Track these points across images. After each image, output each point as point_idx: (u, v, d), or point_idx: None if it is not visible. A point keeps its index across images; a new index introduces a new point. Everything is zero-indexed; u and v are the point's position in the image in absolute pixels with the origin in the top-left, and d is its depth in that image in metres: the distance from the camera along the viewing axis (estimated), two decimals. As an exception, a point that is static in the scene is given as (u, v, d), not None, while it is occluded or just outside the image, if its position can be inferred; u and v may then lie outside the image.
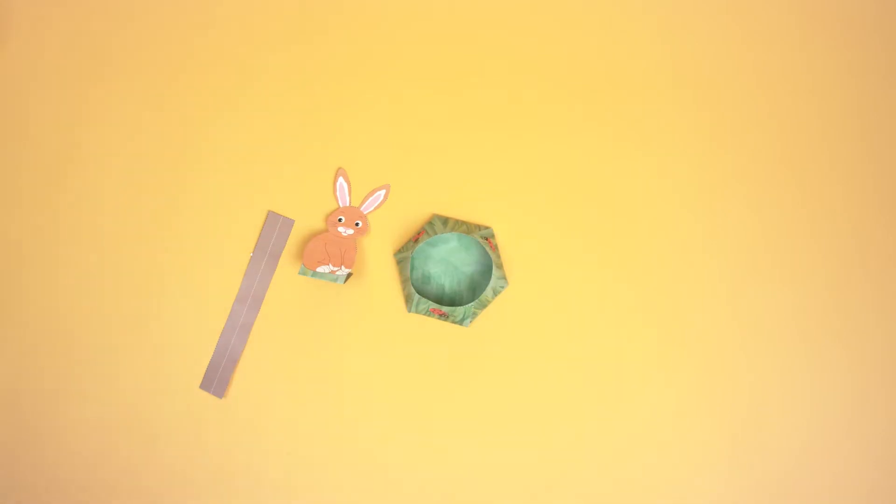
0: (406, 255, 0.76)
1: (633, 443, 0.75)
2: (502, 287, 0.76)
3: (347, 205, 0.75)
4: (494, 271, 0.75)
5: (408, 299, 0.76)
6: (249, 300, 0.77)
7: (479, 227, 0.77)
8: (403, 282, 0.76)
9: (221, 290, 0.78)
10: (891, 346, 0.76)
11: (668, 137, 0.79)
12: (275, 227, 0.78)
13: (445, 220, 0.77)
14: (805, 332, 0.76)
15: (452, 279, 0.78)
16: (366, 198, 0.75)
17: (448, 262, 0.78)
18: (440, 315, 0.75)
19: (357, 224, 0.75)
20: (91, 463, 0.76)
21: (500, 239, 0.78)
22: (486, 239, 0.76)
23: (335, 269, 0.72)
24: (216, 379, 0.76)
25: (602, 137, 0.79)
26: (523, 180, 0.79)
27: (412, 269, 0.77)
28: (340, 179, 0.74)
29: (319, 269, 0.73)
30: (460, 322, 0.75)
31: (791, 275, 0.77)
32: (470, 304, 0.74)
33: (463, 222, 0.77)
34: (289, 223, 0.78)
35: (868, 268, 0.77)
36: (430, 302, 0.74)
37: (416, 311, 0.75)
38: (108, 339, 0.78)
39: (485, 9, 0.81)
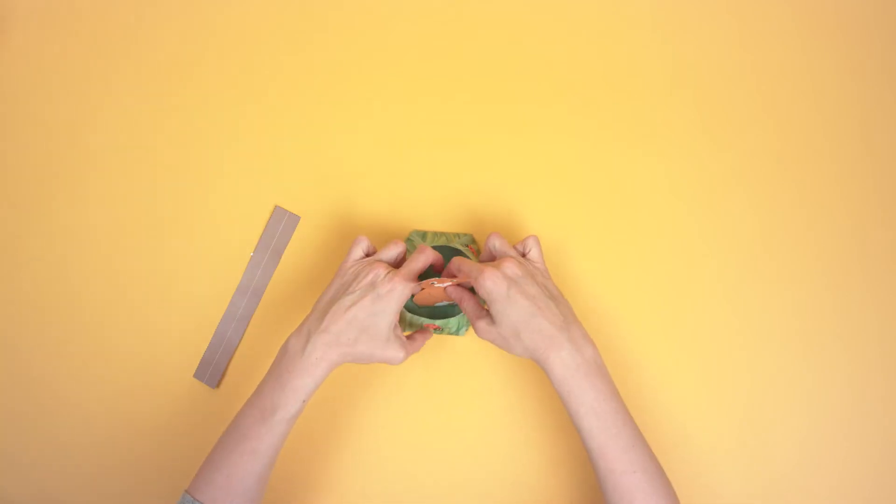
0: None
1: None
2: None
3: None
4: None
5: (400, 320, 0.75)
6: (250, 293, 0.78)
7: (458, 235, 0.77)
8: None
9: (223, 282, 0.78)
10: (891, 346, 0.75)
11: (668, 137, 0.79)
12: (280, 222, 0.78)
13: (424, 234, 0.77)
14: (804, 331, 0.76)
15: (441, 292, 0.77)
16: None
17: (434, 276, 0.77)
18: (435, 329, 0.74)
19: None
20: (85, 450, 0.76)
21: (482, 243, 0.78)
22: (468, 246, 0.76)
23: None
24: (210, 369, 0.77)
25: (600, 137, 0.80)
26: (509, 179, 0.79)
27: None
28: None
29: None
30: (455, 332, 0.75)
31: (791, 275, 0.77)
32: (462, 314, 0.74)
33: (441, 233, 0.77)
34: (294, 219, 0.79)
35: (868, 268, 0.77)
36: (424, 318, 0.73)
37: (412, 330, 0.75)
38: (106, 324, 0.78)
39: (480, 9, 0.82)
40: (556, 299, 0.65)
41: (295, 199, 0.79)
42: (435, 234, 0.77)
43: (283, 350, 0.64)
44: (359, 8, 0.82)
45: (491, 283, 0.63)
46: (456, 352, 0.76)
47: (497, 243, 0.68)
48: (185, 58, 0.82)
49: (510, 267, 0.64)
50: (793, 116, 0.79)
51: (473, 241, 0.77)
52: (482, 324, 0.65)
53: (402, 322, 0.74)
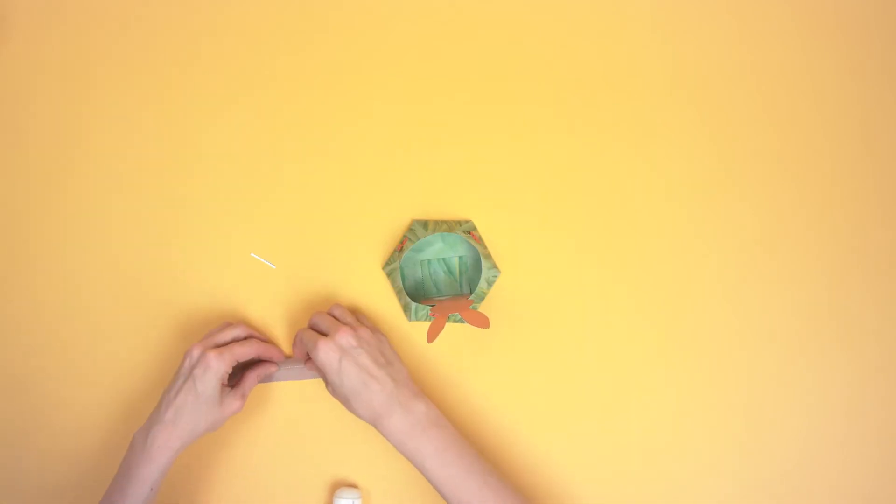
0: (394, 265, 0.75)
1: (629, 442, 0.75)
2: (495, 276, 0.76)
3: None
4: (484, 262, 0.75)
5: (406, 309, 0.75)
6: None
7: (459, 223, 0.77)
8: (398, 293, 0.76)
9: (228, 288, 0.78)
10: (891, 346, 0.75)
11: (668, 137, 0.79)
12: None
13: (425, 223, 0.77)
14: (804, 331, 0.76)
15: (445, 279, 0.78)
16: None
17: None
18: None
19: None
20: (86, 449, 0.76)
21: (482, 230, 0.78)
22: (469, 233, 0.76)
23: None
24: None
25: (599, 136, 0.80)
26: (509, 179, 0.79)
27: (403, 278, 0.77)
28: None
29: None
30: (460, 320, 0.75)
31: (791, 275, 0.77)
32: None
33: (443, 221, 0.77)
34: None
35: (868, 268, 0.77)
36: (428, 307, 0.74)
37: (417, 319, 0.75)
38: (106, 325, 0.78)
39: (480, 9, 0.82)
40: (391, 364, 0.69)
41: (288, 206, 0.79)
42: (436, 222, 0.77)
43: (129, 445, 0.67)
44: (359, 8, 0.82)
45: (323, 354, 0.66)
46: (462, 338, 0.77)
47: (337, 312, 0.73)
48: (185, 57, 0.82)
49: (344, 336, 0.67)
50: (793, 116, 0.79)
51: (475, 227, 0.77)
52: (326, 384, 0.69)
53: (409, 312, 0.74)
